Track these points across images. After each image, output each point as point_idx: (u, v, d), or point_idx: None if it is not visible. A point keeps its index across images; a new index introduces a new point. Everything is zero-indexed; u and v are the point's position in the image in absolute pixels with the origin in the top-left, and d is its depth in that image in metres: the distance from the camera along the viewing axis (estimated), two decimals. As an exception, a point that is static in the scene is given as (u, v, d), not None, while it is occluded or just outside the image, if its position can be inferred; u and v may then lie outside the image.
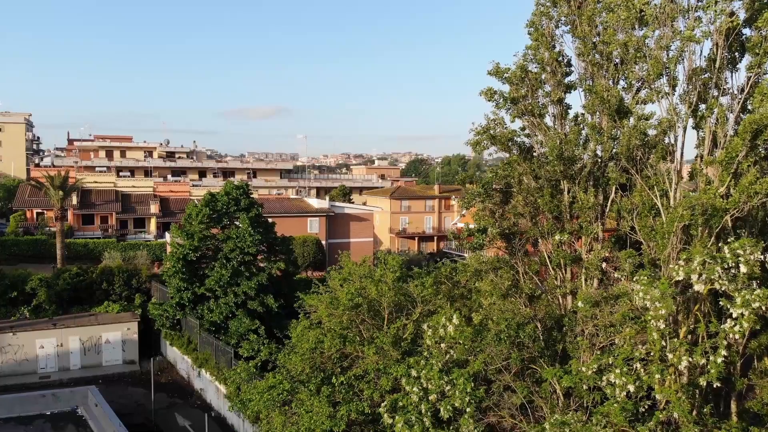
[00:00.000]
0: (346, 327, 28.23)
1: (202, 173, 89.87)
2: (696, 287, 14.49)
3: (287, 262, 42.55)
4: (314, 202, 61.44)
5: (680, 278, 14.89)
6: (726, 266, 14.68)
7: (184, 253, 39.25)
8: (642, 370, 15.45)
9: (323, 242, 57.08)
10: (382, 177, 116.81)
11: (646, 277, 14.88)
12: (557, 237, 19.17)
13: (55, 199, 52.63)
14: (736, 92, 18.01)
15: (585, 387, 19.65)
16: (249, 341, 31.32)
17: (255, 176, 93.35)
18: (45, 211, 69.77)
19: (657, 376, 15.09)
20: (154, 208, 73.28)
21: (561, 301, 22.23)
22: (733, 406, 20.05)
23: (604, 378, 16.76)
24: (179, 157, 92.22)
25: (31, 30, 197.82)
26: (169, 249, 50.57)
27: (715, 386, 16.26)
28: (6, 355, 39.00)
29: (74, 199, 69.34)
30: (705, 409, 16.67)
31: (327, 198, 63.50)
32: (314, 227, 57.37)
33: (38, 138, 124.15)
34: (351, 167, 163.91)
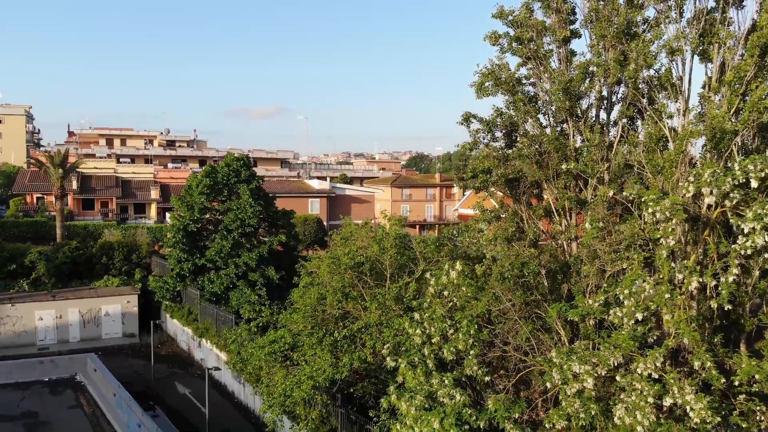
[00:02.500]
0: (348, 285, 27.98)
1: (203, 162, 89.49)
2: (707, 200, 14.18)
3: (288, 236, 42.26)
4: (315, 184, 61.13)
5: (690, 193, 14.58)
6: (737, 182, 14.39)
7: (184, 223, 39.00)
8: (651, 290, 15.11)
9: (324, 223, 56.78)
10: (383, 169, 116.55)
11: (654, 195, 14.58)
12: (564, 166, 18.84)
13: (54, 177, 52.35)
14: (742, 24, 17.72)
15: (592, 322, 19.46)
16: (250, 303, 31.06)
17: (255, 165, 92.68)
18: (45, 196, 69.51)
19: (666, 295, 14.75)
20: (154, 193, 72.97)
21: (566, 247, 21.92)
22: (743, 349, 19.73)
23: (611, 311, 16.44)
24: (179, 146, 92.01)
25: (31, 31, 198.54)
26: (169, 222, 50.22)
27: (726, 309, 15.98)
28: (4, 326, 38.71)
29: (74, 184, 69.09)
30: (716, 339, 16.36)
31: (328, 180, 63.33)
32: (315, 208, 57.06)
33: (38, 131, 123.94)
34: (352, 163, 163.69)
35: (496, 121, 20.54)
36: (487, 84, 21.04)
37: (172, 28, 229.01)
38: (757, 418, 15.25)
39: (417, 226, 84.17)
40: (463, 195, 77.34)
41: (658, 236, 14.84)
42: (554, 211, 21.87)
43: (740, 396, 15.77)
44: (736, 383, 15.02)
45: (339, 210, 58.51)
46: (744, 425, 15.49)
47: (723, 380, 14.86)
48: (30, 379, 32.94)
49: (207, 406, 26.83)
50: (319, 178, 64.91)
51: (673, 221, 13.96)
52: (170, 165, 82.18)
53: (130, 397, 27.32)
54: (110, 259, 44.20)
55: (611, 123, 21.05)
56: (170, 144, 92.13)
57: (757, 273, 16.90)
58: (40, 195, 71.09)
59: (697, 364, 15.02)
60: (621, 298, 15.23)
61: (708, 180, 14.09)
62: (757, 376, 14.71)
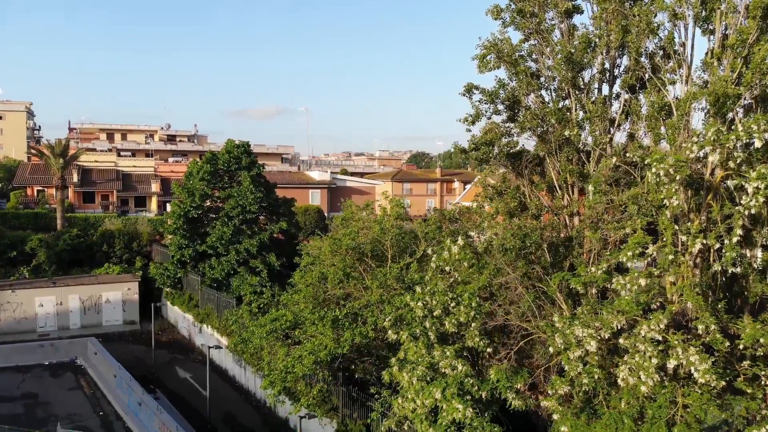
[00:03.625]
0: (350, 266, 27.93)
1: (203, 156, 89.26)
2: (710, 159, 14.12)
3: (289, 224, 42.18)
4: (315, 175, 61.04)
5: (694, 153, 14.51)
6: (741, 143, 14.33)
7: (185, 210, 38.95)
8: (654, 252, 15.04)
9: (325, 214, 56.69)
10: (384, 166, 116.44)
11: (658, 156, 14.51)
12: (566, 132, 18.76)
13: (55, 168, 52.29)
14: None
15: (594, 291, 19.37)
16: (251, 284, 30.95)
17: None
18: (46, 189, 69.47)
19: (670, 257, 14.68)
20: (155, 186, 72.87)
21: (568, 221, 21.85)
22: (747, 320, 19.65)
23: (614, 279, 16.34)
24: (180, 141, 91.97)
25: (31, 30, 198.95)
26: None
27: (730, 273, 15.94)
28: (5, 313, 38.61)
29: (75, 177, 69.03)
30: (719, 305, 16.25)
31: (329, 171, 63.26)
32: (316, 199, 56.99)
33: (39, 127, 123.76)
34: (352, 159, 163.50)
35: (498, 93, 20.46)
36: (489, 57, 20.98)
37: (172, 28, 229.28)
38: (762, 383, 15.17)
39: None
40: (464, 189, 77.24)
41: (662, 197, 14.78)
42: (556, 186, 21.82)
43: (744, 362, 15.69)
44: (741, 347, 14.93)
45: (340, 201, 58.44)
46: (749, 390, 15.41)
47: (727, 344, 14.77)
48: (30, 362, 32.86)
49: (208, 384, 26.75)
50: (319, 172, 64.83)
51: (677, 179, 13.86)
52: (171, 159, 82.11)
53: (130, 377, 27.25)
54: (111, 247, 44.13)
55: (613, 96, 21.00)
56: (171, 139, 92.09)
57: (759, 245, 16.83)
58: (40, 188, 71.01)
59: (700, 328, 14.94)
60: (624, 260, 15.15)
61: (712, 139, 14.02)
62: (762, 340, 14.59)
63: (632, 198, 15.75)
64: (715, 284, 16.93)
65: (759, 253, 15.80)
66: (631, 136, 18.76)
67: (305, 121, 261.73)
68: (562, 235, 21.56)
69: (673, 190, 14.41)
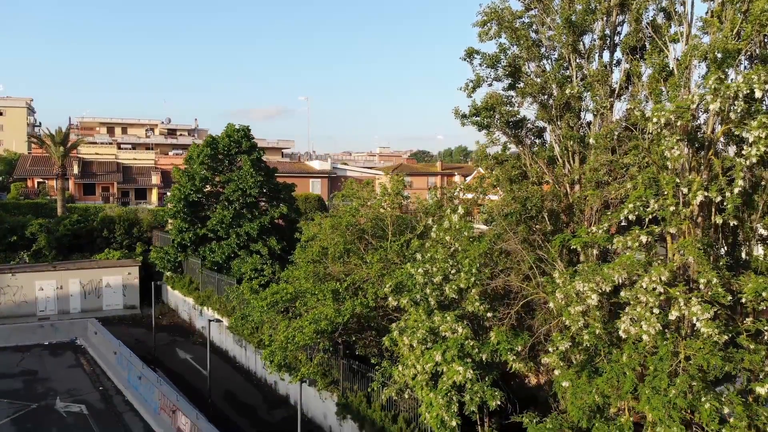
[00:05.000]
0: (350, 242, 27.92)
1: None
2: (711, 107, 14.05)
3: (290, 209, 42.14)
4: (316, 165, 60.95)
5: (695, 104, 14.44)
6: (741, 93, 14.26)
7: (185, 193, 38.91)
8: (656, 205, 14.96)
9: (326, 202, 56.65)
10: (384, 161, 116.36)
11: (659, 106, 14.44)
12: (567, 91, 18.70)
13: (55, 156, 52.29)
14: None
15: (595, 252, 19.32)
16: (252, 262, 30.84)
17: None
18: (46, 180, 69.59)
19: (671, 208, 14.61)
20: (155, 179, 73.01)
21: (569, 189, 21.79)
22: (749, 275, 19.55)
23: (615, 240, 16.27)
24: (180, 135, 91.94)
25: (32, 28, 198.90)
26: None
27: (731, 225, 15.86)
28: (4, 296, 38.54)
29: (75, 169, 69.14)
30: (721, 262, 16.19)
31: (329, 160, 63.19)
32: (316, 188, 56.91)
33: (40, 124, 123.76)
34: (352, 155, 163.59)
35: (499, 57, 20.38)
36: (490, 24, 20.91)
37: (173, 30, 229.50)
38: (765, 338, 15.08)
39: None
40: (465, 182, 77.12)
41: (662, 149, 14.72)
42: (557, 155, 21.77)
43: (747, 319, 15.61)
44: (743, 301, 14.85)
45: (340, 190, 58.44)
46: (752, 346, 15.33)
47: (729, 297, 14.69)
48: (29, 342, 32.79)
49: (208, 359, 26.69)
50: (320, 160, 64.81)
51: (679, 126, 13.80)
52: (171, 152, 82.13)
53: (130, 353, 27.20)
54: (111, 232, 44.08)
55: (614, 63, 20.94)
56: (171, 133, 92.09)
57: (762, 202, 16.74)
58: (41, 180, 71.18)
59: (702, 282, 14.84)
60: (625, 213, 15.07)
61: (713, 87, 13.96)
62: (764, 294, 14.50)
63: (633, 150, 15.69)
64: (716, 242, 16.86)
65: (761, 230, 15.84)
66: (633, 96, 18.68)
67: (305, 112, 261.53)
68: (562, 204, 21.53)
69: (675, 140, 14.34)
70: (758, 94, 14.13)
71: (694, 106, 14.68)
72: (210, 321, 25.54)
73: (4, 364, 29.72)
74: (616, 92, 20.49)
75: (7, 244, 41.80)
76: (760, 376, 14.88)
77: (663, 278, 14.66)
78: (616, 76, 21.22)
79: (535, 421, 16.58)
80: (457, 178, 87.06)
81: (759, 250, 16.54)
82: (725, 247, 15.84)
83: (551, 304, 16.08)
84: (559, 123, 20.93)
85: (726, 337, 14.58)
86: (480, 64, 20.25)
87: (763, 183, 17.27)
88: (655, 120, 14.29)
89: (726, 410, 14.44)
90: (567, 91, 18.40)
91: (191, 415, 20.19)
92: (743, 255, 18.02)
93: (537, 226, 20.20)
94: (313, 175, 57.17)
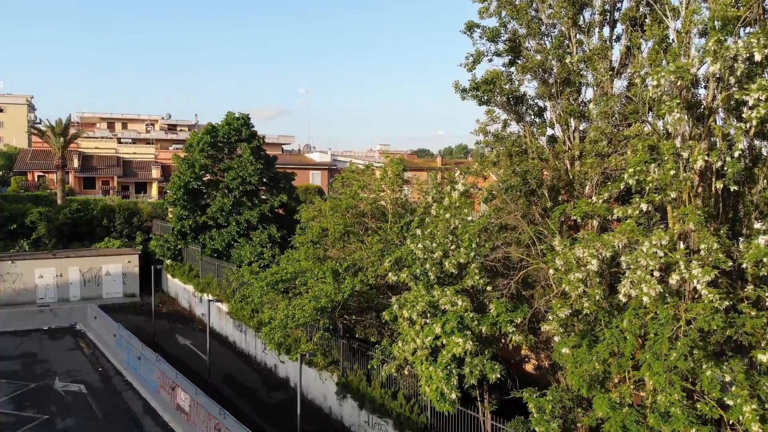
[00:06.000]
0: (350, 224, 27.92)
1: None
2: (711, 69, 14.00)
3: (290, 198, 42.10)
4: (316, 157, 60.87)
5: (695, 68, 14.40)
6: (741, 57, 14.22)
7: (185, 180, 38.87)
8: (656, 174, 14.91)
9: (326, 193, 56.56)
10: (384, 157, 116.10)
11: (659, 68, 14.39)
12: (568, 60, 18.67)
13: (56, 146, 52.23)
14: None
15: (596, 223, 19.25)
16: (252, 244, 30.75)
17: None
18: (46, 174, 69.56)
19: (672, 172, 14.56)
20: (155, 173, 72.90)
21: (569, 166, 21.75)
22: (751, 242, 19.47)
23: (614, 211, 16.22)
24: (181, 130, 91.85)
25: (32, 25, 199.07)
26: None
27: (732, 195, 15.83)
28: (4, 284, 38.44)
29: (75, 162, 69.08)
30: (722, 231, 16.13)
31: (329, 152, 63.11)
32: (316, 179, 56.85)
33: (40, 120, 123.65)
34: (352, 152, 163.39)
35: (499, 31, 20.34)
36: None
37: (175, 30, 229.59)
38: (765, 304, 15.01)
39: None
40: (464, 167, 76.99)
41: (663, 113, 14.68)
42: (557, 133, 21.73)
43: (748, 287, 15.54)
44: (744, 265, 14.78)
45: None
46: (752, 312, 15.25)
47: (730, 263, 14.62)
48: (28, 327, 32.72)
49: (208, 339, 26.63)
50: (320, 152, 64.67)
51: (679, 86, 13.74)
52: (171, 147, 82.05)
53: (130, 335, 27.15)
54: (111, 221, 44.02)
55: (614, 38, 20.91)
56: (171, 128, 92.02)
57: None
58: (41, 173, 71.13)
59: (702, 247, 14.77)
60: (625, 178, 15.02)
61: (712, 49, 13.91)
62: (765, 260, 14.42)
63: (632, 114, 15.64)
64: (717, 211, 16.81)
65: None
66: (633, 69, 18.63)
67: (305, 112, 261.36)
68: (563, 181, 21.49)
69: (675, 103, 14.30)
70: (758, 57, 14.10)
71: (695, 69, 14.66)
72: (210, 301, 25.44)
73: (3, 348, 29.68)
74: (616, 70, 20.48)
75: (7, 233, 41.74)
76: (762, 344, 14.80)
77: (663, 242, 14.62)
78: (616, 53, 21.21)
79: (535, 395, 16.51)
80: (457, 174, 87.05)
81: (759, 225, 16.45)
82: (726, 224, 15.77)
83: (551, 272, 16.02)
84: (559, 100, 20.90)
85: (727, 303, 14.51)
86: (480, 37, 20.19)
87: (763, 156, 17.29)
88: (655, 83, 14.25)
89: (727, 378, 14.36)
90: (567, 60, 18.35)
91: (190, 391, 20.14)
92: (743, 231, 18.03)
93: (536, 202, 20.16)
94: (313, 166, 57.13)
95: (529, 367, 25.03)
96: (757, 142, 16.93)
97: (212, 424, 18.09)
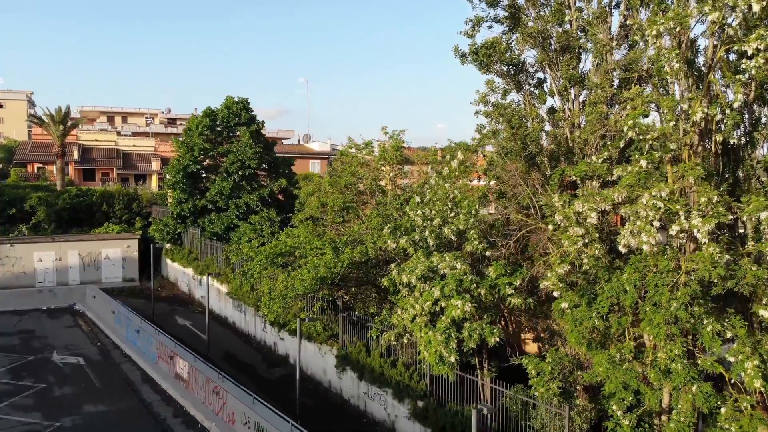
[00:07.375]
0: (349, 201, 27.87)
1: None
2: (710, 18, 13.94)
3: (289, 183, 42.03)
4: (316, 146, 60.80)
5: (694, 19, 14.34)
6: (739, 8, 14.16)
7: (184, 164, 38.80)
8: (655, 132, 14.84)
9: (325, 183, 56.65)
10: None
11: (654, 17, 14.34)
12: (567, 18, 18.61)
13: (55, 135, 52.20)
14: None
15: (596, 184, 19.17)
16: (251, 224, 30.67)
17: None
18: (46, 165, 69.59)
19: (671, 123, 14.50)
20: (155, 165, 72.89)
21: (568, 134, 21.69)
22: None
23: (614, 170, 16.14)
24: (180, 124, 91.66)
25: (32, 25, 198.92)
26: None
27: (731, 144, 15.77)
28: (3, 267, 38.33)
29: (75, 154, 69.08)
30: (722, 187, 16.06)
31: (329, 142, 63.03)
32: (316, 168, 56.79)
33: (40, 117, 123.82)
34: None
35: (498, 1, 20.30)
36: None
37: (174, 31, 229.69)
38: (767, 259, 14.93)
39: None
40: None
41: (661, 65, 14.62)
42: (556, 102, 21.67)
43: (749, 244, 15.46)
44: (744, 219, 14.72)
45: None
46: (754, 267, 15.16)
47: (730, 217, 14.55)
48: (27, 307, 32.63)
49: (207, 318, 26.55)
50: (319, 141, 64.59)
51: (677, 32, 13.68)
52: (171, 141, 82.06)
53: (129, 311, 27.08)
54: (110, 207, 43.97)
55: (613, 4, 20.85)
56: (171, 122, 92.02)
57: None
58: (41, 165, 71.16)
59: (703, 200, 14.69)
60: (625, 130, 14.95)
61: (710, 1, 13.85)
62: (764, 215, 14.34)
63: (631, 64, 15.57)
64: (716, 170, 16.76)
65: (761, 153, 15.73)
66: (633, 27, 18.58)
67: (305, 121, 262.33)
68: (562, 148, 21.43)
69: (673, 54, 14.23)
70: (756, 8, 14.03)
71: (693, 21, 14.61)
72: (209, 275, 25.38)
73: (1, 325, 29.63)
74: (616, 39, 20.42)
75: (7, 217, 41.68)
76: (764, 301, 14.69)
77: (663, 194, 14.55)
78: (615, 26, 21.13)
79: (534, 361, 16.42)
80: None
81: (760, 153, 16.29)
82: (726, 184, 15.71)
83: (550, 227, 15.96)
84: (558, 66, 20.84)
85: (728, 257, 14.43)
86: (480, 1, 20.14)
87: (763, 120, 17.21)
88: (654, 32, 14.18)
89: (728, 335, 14.27)
90: (567, 18, 18.27)
91: (189, 358, 20.06)
92: (743, 195, 17.91)
93: (536, 167, 20.10)
94: (312, 155, 57.10)
95: (529, 349, 24.90)
96: (756, 108, 16.89)
97: (210, 388, 18.01)
